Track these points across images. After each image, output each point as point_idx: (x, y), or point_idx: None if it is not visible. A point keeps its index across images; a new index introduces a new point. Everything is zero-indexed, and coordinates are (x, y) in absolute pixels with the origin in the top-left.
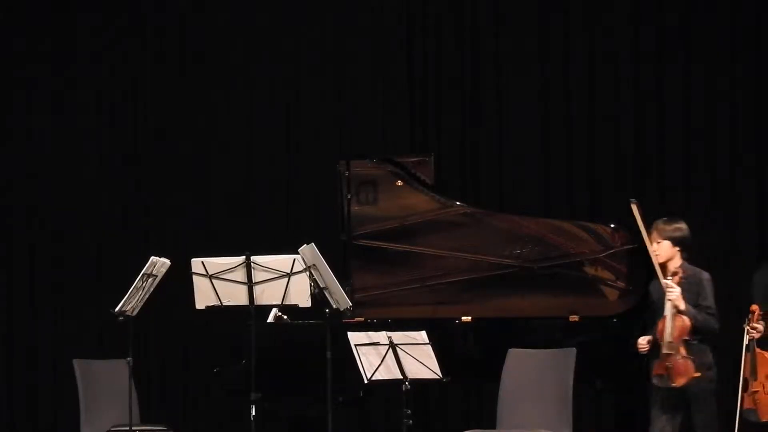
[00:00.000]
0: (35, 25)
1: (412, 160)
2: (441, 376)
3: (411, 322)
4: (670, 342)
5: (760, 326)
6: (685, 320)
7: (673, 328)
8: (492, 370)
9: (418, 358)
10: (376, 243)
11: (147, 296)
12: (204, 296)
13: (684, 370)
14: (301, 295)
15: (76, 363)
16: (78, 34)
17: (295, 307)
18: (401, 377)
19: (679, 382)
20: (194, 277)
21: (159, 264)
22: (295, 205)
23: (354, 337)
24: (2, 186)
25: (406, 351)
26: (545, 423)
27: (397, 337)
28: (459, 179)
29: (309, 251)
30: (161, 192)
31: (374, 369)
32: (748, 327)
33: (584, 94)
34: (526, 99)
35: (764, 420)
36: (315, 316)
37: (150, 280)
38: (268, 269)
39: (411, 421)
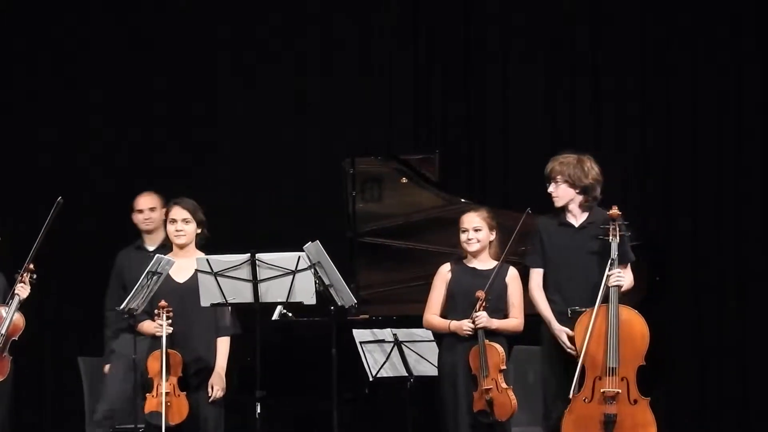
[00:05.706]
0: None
1: (417, 157)
2: None
3: (416, 320)
4: None
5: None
6: None
7: None
8: None
9: (423, 355)
10: (381, 240)
11: (152, 294)
12: (209, 294)
13: None
14: (306, 292)
15: (81, 361)
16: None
17: (300, 304)
18: (406, 374)
19: None
20: (199, 275)
21: (164, 262)
22: (300, 202)
23: (359, 335)
24: (4, 181)
25: (411, 348)
26: None
27: (402, 334)
28: (464, 176)
29: (314, 248)
30: (167, 189)
31: (379, 366)
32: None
33: (591, 90)
34: (533, 95)
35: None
36: (320, 314)
37: (155, 278)
38: (273, 266)
39: (416, 418)
